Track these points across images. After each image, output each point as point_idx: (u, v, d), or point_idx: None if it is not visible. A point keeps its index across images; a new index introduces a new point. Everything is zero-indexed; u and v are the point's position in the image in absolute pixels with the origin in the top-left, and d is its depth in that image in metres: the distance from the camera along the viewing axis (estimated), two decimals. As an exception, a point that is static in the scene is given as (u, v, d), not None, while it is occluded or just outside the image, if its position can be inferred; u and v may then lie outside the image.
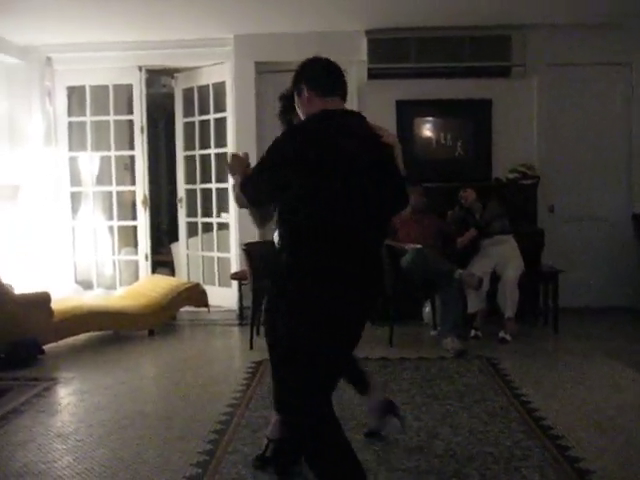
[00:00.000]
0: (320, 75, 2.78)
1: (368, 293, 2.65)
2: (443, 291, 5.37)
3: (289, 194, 2.56)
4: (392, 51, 6.36)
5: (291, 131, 2.82)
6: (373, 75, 6.43)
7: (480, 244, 5.74)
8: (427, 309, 6.08)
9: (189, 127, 7.10)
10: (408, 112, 6.57)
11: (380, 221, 2.74)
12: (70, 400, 4.33)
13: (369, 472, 3.06)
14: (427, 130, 6.66)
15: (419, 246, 5.46)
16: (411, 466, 3.17)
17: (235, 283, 6.45)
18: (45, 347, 5.25)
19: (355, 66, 6.48)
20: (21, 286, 5.65)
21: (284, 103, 3.36)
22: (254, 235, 6.37)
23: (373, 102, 6.47)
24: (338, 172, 2.54)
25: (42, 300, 5.29)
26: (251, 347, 5.46)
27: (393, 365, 4.92)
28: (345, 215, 2.55)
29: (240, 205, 2.96)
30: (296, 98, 2.82)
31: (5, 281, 5.21)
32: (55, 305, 5.36)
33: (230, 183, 2.98)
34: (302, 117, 2.81)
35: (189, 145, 7.10)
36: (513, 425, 3.68)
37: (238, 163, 2.98)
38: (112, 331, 6.01)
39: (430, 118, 6.66)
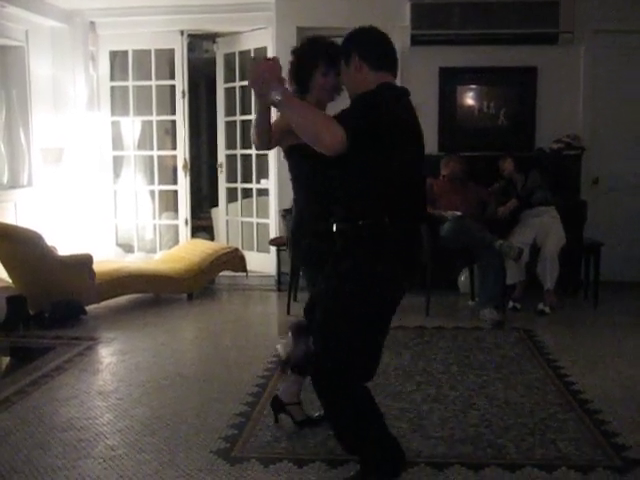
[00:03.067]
0: (375, 47, 2.64)
1: (416, 266, 2.68)
2: (483, 261, 5.33)
3: (360, 158, 2.41)
4: (436, 17, 6.24)
5: (378, 96, 2.49)
6: (416, 41, 6.32)
7: (521, 215, 5.66)
8: (463, 278, 6.05)
9: (230, 93, 7.10)
10: (451, 79, 6.46)
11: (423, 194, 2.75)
12: (111, 360, 4.44)
13: (402, 439, 3.09)
14: (470, 98, 6.55)
15: (459, 213, 5.41)
16: (445, 435, 3.18)
17: (273, 249, 6.49)
18: (87, 308, 5.37)
19: (398, 32, 6.34)
20: (64, 248, 5.76)
21: (298, 61, 3.05)
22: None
23: (416, 69, 6.38)
24: (409, 145, 2.56)
25: (84, 262, 5.39)
26: (288, 312, 5.51)
27: (430, 334, 4.92)
28: (410, 188, 2.57)
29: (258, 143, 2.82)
30: (343, 70, 2.67)
31: (49, 243, 5.33)
32: (97, 267, 5.46)
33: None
34: (347, 86, 2.69)
35: (230, 111, 7.10)
36: (549, 397, 3.67)
37: (269, 70, 2.39)
38: (152, 294, 6.11)
39: (473, 86, 6.54)
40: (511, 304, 5.57)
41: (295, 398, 3.26)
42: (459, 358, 4.36)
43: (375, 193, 2.51)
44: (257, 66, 2.43)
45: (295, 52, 3.09)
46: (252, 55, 6.70)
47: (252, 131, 2.89)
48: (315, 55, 3.00)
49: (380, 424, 2.64)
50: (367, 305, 2.52)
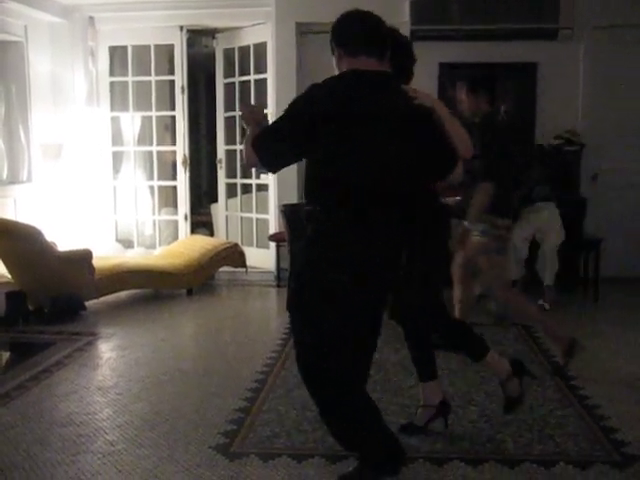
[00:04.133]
0: (351, 31, 2.53)
1: (396, 258, 2.60)
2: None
3: (309, 153, 2.49)
4: (435, 12, 6.24)
5: (311, 88, 2.51)
6: (416, 37, 6.28)
7: (520, 211, 5.65)
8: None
9: (229, 88, 7.09)
10: (451, 75, 6.44)
11: (418, 183, 2.62)
12: (110, 355, 4.44)
13: (402, 435, 3.09)
14: (470, 94, 6.53)
15: (458, 198, 5.34)
16: (445, 430, 3.18)
17: (273, 244, 6.49)
18: (86, 303, 5.37)
19: (397, 27, 6.36)
20: (64, 243, 5.76)
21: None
22: (293, 197, 6.39)
23: (416, 65, 6.35)
24: (361, 132, 2.44)
25: (84, 257, 5.39)
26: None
27: (429, 330, 4.91)
28: (365, 175, 2.45)
29: (249, 164, 2.59)
30: (333, 54, 2.59)
31: (48, 238, 5.33)
32: (96, 263, 5.46)
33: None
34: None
35: (229, 106, 7.09)
36: (548, 393, 3.67)
37: (250, 112, 2.60)
38: (151, 289, 6.11)
39: (473, 82, 6.53)
40: (510, 300, 5.56)
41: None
42: (458, 354, 4.34)
43: (320, 182, 2.52)
44: (245, 106, 2.66)
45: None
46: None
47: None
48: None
49: (376, 421, 2.62)
50: (328, 295, 2.46)
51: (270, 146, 2.50)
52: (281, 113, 2.50)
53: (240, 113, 2.74)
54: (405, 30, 6.26)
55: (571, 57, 6.37)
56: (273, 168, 2.71)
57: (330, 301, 2.47)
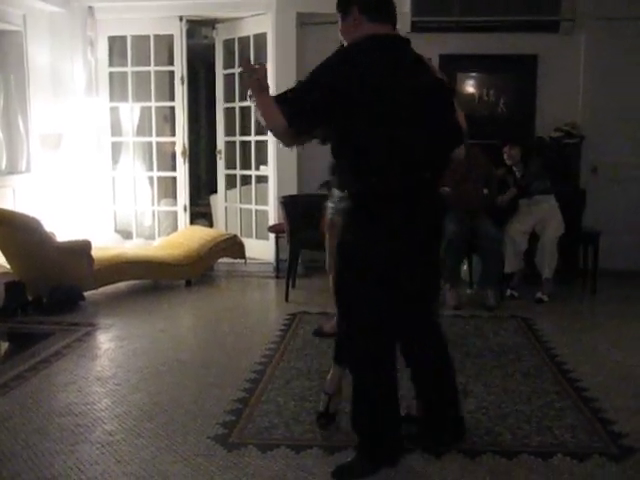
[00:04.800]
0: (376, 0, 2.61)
1: (426, 232, 2.69)
2: (483, 249, 5.35)
3: (340, 121, 2.48)
4: (436, 4, 6.21)
5: (344, 53, 2.57)
6: (416, 28, 6.28)
7: (520, 203, 5.65)
8: (464, 267, 6.04)
9: (229, 79, 7.06)
10: (451, 67, 6.41)
11: (436, 156, 2.67)
12: (109, 346, 4.44)
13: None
14: (470, 86, 6.53)
15: (447, 189, 5.31)
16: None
17: (272, 236, 6.48)
18: (85, 294, 5.37)
19: (398, 18, 6.34)
20: (63, 234, 5.76)
21: None
22: (292, 188, 6.39)
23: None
24: (394, 100, 2.50)
25: (83, 248, 5.38)
26: (287, 299, 5.51)
27: (427, 322, 4.92)
28: (400, 144, 2.51)
29: (274, 127, 2.51)
30: (340, 23, 2.63)
31: (47, 229, 5.32)
32: (95, 253, 5.45)
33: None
34: (345, 39, 2.63)
35: (229, 97, 7.07)
36: (546, 385, 3.68)
37: (253, 75, 2.52)
38: (150, 280, 6.11)
39: (473, 73, 6.52)
40: (509, 292, 5.58)
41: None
42: (457, 346, 4.35)
43: (356, 159, 2.54)
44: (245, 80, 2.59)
45: None
46: (251, 42, 6.67)
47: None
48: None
49: (395, 408, 2.74)
50: (364, 267, 2.60)
51: (303, 109, 2.47)
52: (312, 73, 2.51)
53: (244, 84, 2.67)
54: (406, 21, 6.25)
55: (572, 49, 6.35)
56: (304, 129, 2.57)
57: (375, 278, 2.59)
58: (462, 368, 3.93)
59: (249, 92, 2.56)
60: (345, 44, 2.69)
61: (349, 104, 2.46)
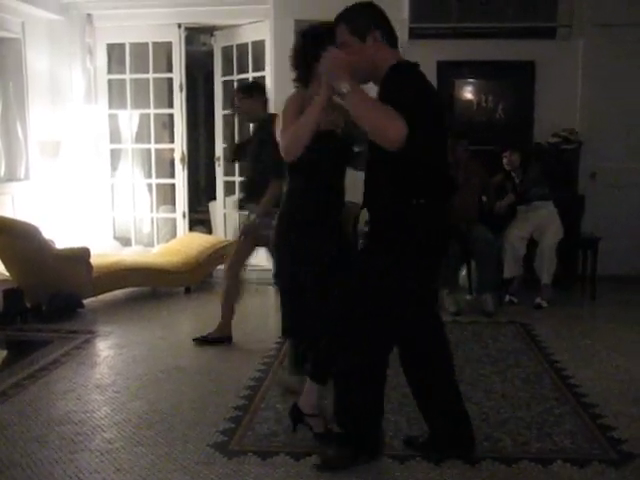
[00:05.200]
0: (389, 24, 2.61)
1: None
2: (479, 254, 5.35)
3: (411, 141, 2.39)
4: (434, 10, 6.23)
5: (416, 76, 2.55)
6: (414, 35, 6.31)
7: (518, 209, 5.66)
8: (463, 273, 6.05)
9: (228, 86, 7.08)
10: (449, 73, 6.45)
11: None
12: (108, 353, 4.44)
13: (399, 432, 3.11)
14: (467, 92, 6.54)
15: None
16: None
17: (271, 243, 6.47)
18: (84, 301, 5.36)
19: (396, 25, 6.29)
20: (61, 241, 5.76)
21: (314, 45, 2.80)
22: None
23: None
24: (440, 122, 2.62)
25: (82, 255, 5.38)
26: (285, 306, 5.50)
27: (426, 328, 4.91)
28: (444, 166, 2.68)
29: (390, 140, 2.35)
30: (356, 44, 2.54)
31: (46, 236, 5.32)
32: (94, 260, 5.45)
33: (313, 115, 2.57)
34: (361, 66, 2.52)
35: (228, 104, 7.08)
36: (546, 391, 3.68)
37: (340, 61, 2.46)
38: (149, 287, 6.10)
39: (471, 80, 6.53)
40: (508, 298, 5.58)
41: (314, 409, 3.00)
42: (456, 352, 4.31)
43: (421, 175, 2.52)
44: (332, 54, 2.48)
45: (308, 37, 2.90)
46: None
47: (302, 132, 2.62)
48: (316, 43, 2.79)
49: (378, 410, 2.79)
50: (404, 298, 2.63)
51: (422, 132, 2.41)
52: (402, 104, 2.41)
53: (326, 65, 2.48)
54: (404, 28, 6.27)
55: (569, 55, 6.36)
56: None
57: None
58: (461, 374, 3.92)
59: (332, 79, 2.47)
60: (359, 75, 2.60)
61: (426, 123, 2.47)
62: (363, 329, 2.63)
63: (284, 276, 3.19)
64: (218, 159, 7.27)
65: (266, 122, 4.28)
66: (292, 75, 2.98)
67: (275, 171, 3.86)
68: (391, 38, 2.61)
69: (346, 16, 2.59)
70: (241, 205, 4.68)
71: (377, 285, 2.56)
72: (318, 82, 2.71)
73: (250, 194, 4.45)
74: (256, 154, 4.36)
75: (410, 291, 2.62)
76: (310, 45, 2.81)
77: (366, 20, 2.57)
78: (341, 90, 2.42)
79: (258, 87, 4.71)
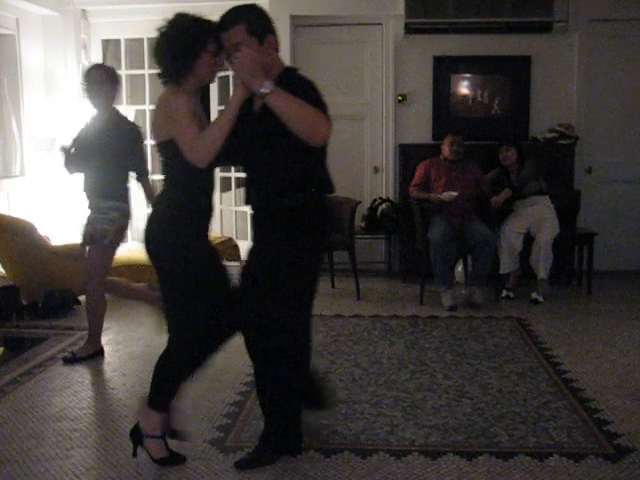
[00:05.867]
0: (275, 29, 2.69)
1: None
2: (476, 251, 5.36)
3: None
4: (430, 5, 6.21)
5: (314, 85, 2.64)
6: (410, 30, 6.31)
7: (515, 204, 5.66)
8: (459, 268, 6.05)
9: (223, 81, 7.06)
10: (445, 68, 6.45)
11: None
12: (105, 349, 4.42)
13: (396, 428, 3.11)
14: (464, 87, 6.53)
15: (455, 193, 5.38)
16: (439, 423, 3.19)
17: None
18: (80, 298, 5.35)
19: (392, 20, 6.37)
20: (57, 238, 5.74)
21: (182, 39, 2.65)
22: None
23: (409, 58, 6.38)
24: None
25: (77, 252, 5.36)
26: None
27: (423, 323, 4.93)
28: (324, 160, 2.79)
29: (321, 136, 2.51)
30: (254, 45, 2.54)
31: (42, 233, 5.30)
32: (90, 257, 5.43)
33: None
34: (256, 68, 2.49)
35: (223, 100, 7.06)
36: (542, 386, 3.68)
37: (256, 61, 2.49)
38: (145, 283, 6.08)
39: (467, 75, 6.53)
40: (505, 293, 5.59)
41: (157, 431, 2.79)
42: (453, 347, 4.37)
43: (310, 167, 2.65)
44: (247, 54, 2.49)
45: (174, 30, 2.70)
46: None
47: (216, 134, 2.53)
48: (204, 33, 2.66)
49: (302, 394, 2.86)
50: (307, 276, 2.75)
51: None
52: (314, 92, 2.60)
53: (240, 67, 2.50)
54: (400, 23, 6.27)
55: (566, 50, 6.36)
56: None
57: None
58: (458, 369, 3.93)
59: (248, 79, 2.49)
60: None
61: None
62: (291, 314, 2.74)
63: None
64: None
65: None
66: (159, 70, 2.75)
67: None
68: (277, 44, 2.67)
69: (243, 17, 2.61)
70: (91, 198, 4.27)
71: (298, 267, 2.68)
72: (200, 72, 2.65)
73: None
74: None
75: (316, 269, 2.80)
76: (191, 37, 2.64)
77: (264, 23, 2.63)
78: (260, 90, 2.46)
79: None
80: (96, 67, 4.24)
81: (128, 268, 5.75)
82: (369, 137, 6.68)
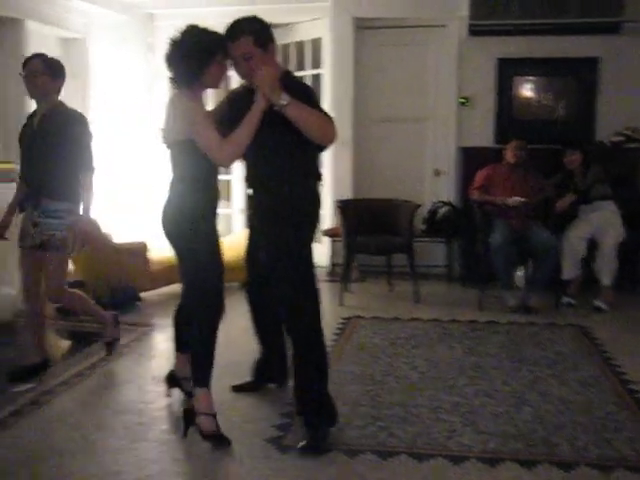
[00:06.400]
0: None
1: None
2: (536, 256, 5.27)
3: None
4: (495, 6, 6.14)
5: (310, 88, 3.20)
6: (474, 32, 6.24)
7: (579, 209, 5.54)
8: (520, 273, 5.96)
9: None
10: (509, 70, 6.36)
11: None
12: (166, 345, 4.50)
13: (454, 433, 3.09)
14: (527, 89, 6.43)
15: (522, 199, 5.32)
16: (498, 430, 3.15)
17: (327, 239, 6.50)
18: (142, 295, 5.48)
19: (456, 22, 6.32)
20: (120, 236, 5.88)
21: (196, 48, 2.91)
22: (348, 192, 6.40)
23: (473, 60, 6.33)
24: None
25: (140, 249, 5.51)
26: (341, 303, 5.52)
27: (482, 328, 4.87)
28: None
29: (330, 140, 2.96)
30: (259, 54, 2.91)
31: (105, 230, 5.45)
32: (151, 255, 5.56)
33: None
34: (276, 83, 2.82)
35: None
36: (605, 396, 3.60)
37: (275, 76, 2.86)
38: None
39: (531, 77, 6.42)
40: (566, 300, 5.47)
41: (210, 408, 3.05)
42: (512, 353, 4.31)
43: (308, 160, 3.04)
44: (268, 71, 2.83)
45: (186, 41, 2.94)
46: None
47: (244, 140, 2.84)
48: (213, 45, 2.94)
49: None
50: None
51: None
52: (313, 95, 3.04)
53: (263, 81, 2.86)
54: (463, 25, 6.22)
55: (635, 51, 6.18)
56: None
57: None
58: (517, 376, 3.88)
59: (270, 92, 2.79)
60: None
61: None
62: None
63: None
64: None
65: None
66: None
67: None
68: (276, 51, 3.05)
69: (250, 29, 2.95)
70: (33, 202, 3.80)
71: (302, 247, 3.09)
72: (207, 80, 2.97)
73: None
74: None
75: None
76: (202, 48, 2.91)
77: (267, 33, 2.98)
78: (280, 102, 2.76)
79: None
80: (35, 56, 3.81)
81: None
82: (431, 140, 6.64)
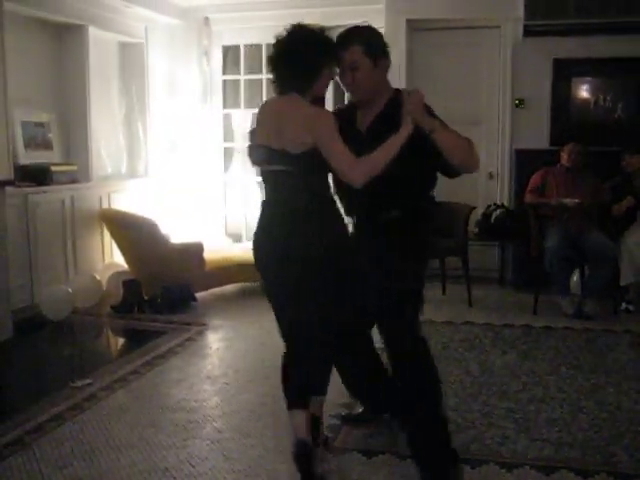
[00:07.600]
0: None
1: None
2: (595, 261, 5.16)
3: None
4: (550, 6, 6.04)
5: None
6: (529, 32, 6.14)
7: (638, 213, 5.40)
8: (575, 278, 5.84)
9: (337, 86, 7.13)
10: (565, 71, 6.23)
11: None
12: (219, 345, 4.58)
13: (508, 439, 3.05)
14: (584, 91, 6.29)
15: (577, 200, 5.22)
16: (552, 437, 3.10)
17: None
18: (196, 295, 5.56)
19: (510, 23, 6.23)
20: (177, 236, 5.98)
21: (314, 54, 2.69)
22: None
23: (527, 61, 6.21)
24: None
25: (195, 250, 5.59)
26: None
27: (537, 333, 4.79)
28: None
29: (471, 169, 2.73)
30: (367, 66, 2.67)
31: (162, 231, 5.55)
32: (207, 256, 5.64)
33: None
34: (367, 86, 2.72)
35: (339, 104, 7.13)
36: (665, 405, 3.50)
37: (421, 101, 2.64)
38: (258, 284, 6.22)
39: (589, 78, 6.28)
40: (624, 306, 5.34)
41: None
42: (567, 359, 4.22)
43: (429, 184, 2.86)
44: (415, 97, 2.62)
45: (300, 46, 2.74)
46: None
47: (381, 163, 2.55)
48: (326, 53, 2.69)
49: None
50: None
51: None
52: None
53: (412, 108, 2.59)
54: (518, 25, 6.13)
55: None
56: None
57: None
58: (573, 383, 3.80)
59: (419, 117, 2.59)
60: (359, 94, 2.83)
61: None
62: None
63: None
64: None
65: None
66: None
67: None
68: (388, 68, 2.80)
69: (362, 38, 2.71)
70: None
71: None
72: (314, 92, 2.74)
73: None
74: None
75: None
76: (317, 56, 2.68)
77: (380, 46, 2.73)
78: (430, 127, 2.57)
79: None
80: None
81: (241, 268, 5.89)
82: (485, 142, 6.55)
